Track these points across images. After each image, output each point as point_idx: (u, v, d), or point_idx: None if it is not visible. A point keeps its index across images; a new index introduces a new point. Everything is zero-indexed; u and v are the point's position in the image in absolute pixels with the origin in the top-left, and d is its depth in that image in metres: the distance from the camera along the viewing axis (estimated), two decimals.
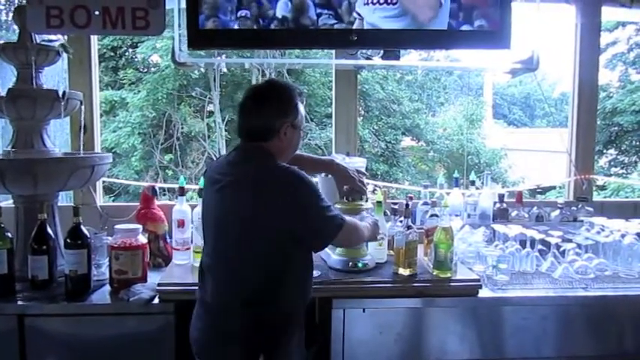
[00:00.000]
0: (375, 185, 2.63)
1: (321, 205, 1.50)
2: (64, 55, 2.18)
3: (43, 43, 2.09)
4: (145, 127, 8.34)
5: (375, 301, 1.83)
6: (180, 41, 2.25)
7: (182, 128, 8.35)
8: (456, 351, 1.87)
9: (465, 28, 2.10)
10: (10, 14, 2.26)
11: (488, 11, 2.10)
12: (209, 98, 8.14)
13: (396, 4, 2.07)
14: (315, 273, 1.76)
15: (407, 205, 1.99)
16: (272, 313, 1.49)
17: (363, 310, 1.82)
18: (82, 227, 1.87)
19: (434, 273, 1.89)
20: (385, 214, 2.14)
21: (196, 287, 1.62)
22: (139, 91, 8.42)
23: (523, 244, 2.05)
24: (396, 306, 1.84)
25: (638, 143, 9.25)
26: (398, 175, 9.23)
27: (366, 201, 1.97)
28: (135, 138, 8.16)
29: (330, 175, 1.97)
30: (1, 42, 2.09)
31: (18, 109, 1.99)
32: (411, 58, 4.47)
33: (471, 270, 2.00)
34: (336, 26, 2.08)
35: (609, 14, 2.79)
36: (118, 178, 7.15)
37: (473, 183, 2.52)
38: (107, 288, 1.93)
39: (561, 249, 2.02)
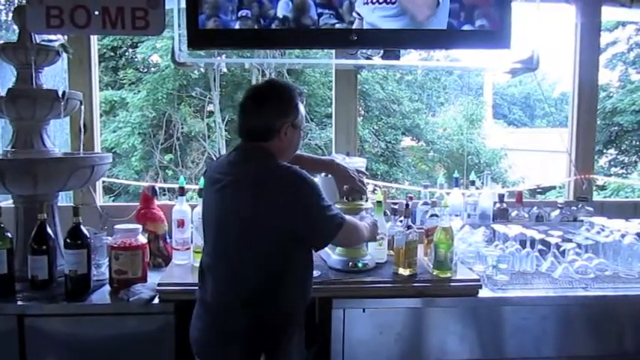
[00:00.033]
0: (375, 185, 2.63)
1: (323, 205, 1.50)
2: (64, 55, 2.18)
3: (42, 43, 2.09)
4: (145, 127, 8.34)
5: (375, 301, 1.83)
6: (180, 41, 2.25)
7: (182, 128, 8.36)
8: (456, 351, 1.87)
9: (466, 27, 2.10)
10: (10, 14, 2.26)
11: (490, 11, 2.10)
12: (209, 98, 8.14)
13: (394, 3, 2.07)
14: (315, 273, 1.76)
15: (407, 205, 1.99)
16: (272, 313, 1.49)
17: (363, 310, 1.82)
18: (82, 227, 1.87)
19: (434, 273, 1.89)
20: (385, 214, 2.14)
21: (196, 287, 1.62)
22: (139, 91, 8.42)
23: (523, 244, 2.05)
24: (396, 306, 1.84)
25: (638, 143, 9.25)
26: (398, 175, 9.23)
27: (366, 201, 1.97)
28: (135, 138, 8.16)
29: (330, 175, 1.97)
30: (1, 42, 2.09)
31: (18, 109, 1.99)
32: (410, 57, 4.47)
33: (471, 270, 2.00)
34: (337, 26, 2.08)
35: (609, 14, 2.79)
36: (118, 178, 7.15)
37: (473, 183, 2.52)
38: (107, 288, 1.93)
39: (561, 249, 2.02)
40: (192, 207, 2.12)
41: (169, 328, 1.80)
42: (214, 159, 2.08)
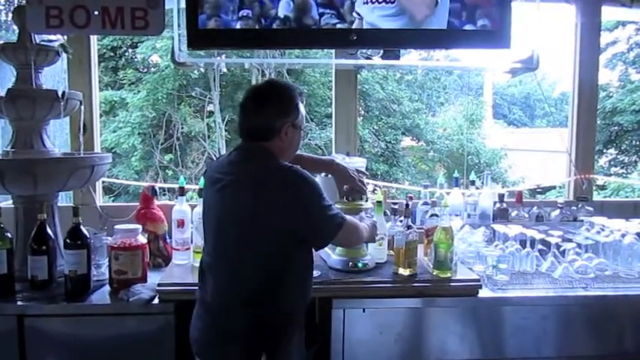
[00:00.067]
0: (375, 185, 2.63)
1: (323, 205, 1.50)
2: (64, 55, 2.18)
3: (42, 43, 2.09)
4: (145, 127, 8.34)
5: (375, 301, 1.83)
6: (179, 41, 2.24)
7: (182, 128, 8.36)
8: (456, 351, 1.87)
9: (468, 27, 2.10)
10: (10, 14, 2.26)
11: (491, 11, 2.10)
12: (209, 98, 8.14)
13: (394, 2, 2.07)
14: (315, 273, 1.76)
15: (407, 205, 1.99)
16: (272, 313, 1.49)
17: (363, 310, 1.82)
18: (82, 227, 1.86)
19: (434, 273, 1.89)
20: (385, 214, 2.14)
21: (196, 287, 1.62)
22: (139, 91, 8.42)
23: (523, 243, 2.05)
24: (396, 306, 1.84)
25: (638, 143, 9.25)
26: (398, 175, 9.23)
27: (366, 201, 1.97)
28: (135, 138, 8.17)
29: (330, 175, 1.97)
30: (1, 42, 2.09)
31: (17, 109, 1.99)
32: (410, 57, 4.47)
33: (471, 270, 2.00)
34: (338, 26, 2.08)
35: (609, 14, 2.79)
36: (118, 179, 7.15)
37: (473, 183, 2.51)
38: (107, 288, 1.93)
39: (561, 249, 2.02)
40: (192, 207, 2.12)
41: (169, 329, 1.80)
42: (214, 159, 2.08)
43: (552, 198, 3.94)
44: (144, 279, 1.93)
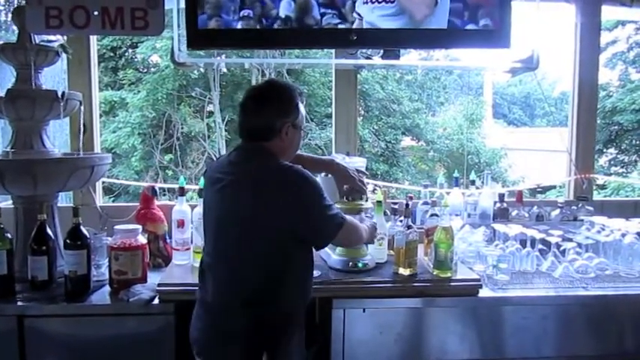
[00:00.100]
0: (375, 185, 2.62)
1: (324, 205, 1.50)
2: (64, 55, 2.17)
3: (42, 43, 2.09)
4: (145, 127, 8.34)
5: (375, 301, 1.83)
6: (179, 41, 2.24)
7: (182, 128, 8.36)
8: (456, 351, 1.87)
9: (470, 27, 2.10)
10: (10, 15, 2.26)
11: (492, 10, 2.10)
12: (209, 98, 8.15)
13: (393, 2, 2.07)
14: (316, 273, 1.76)
15: (407, 204, 1.99)
16: (272, 313, 1.49)
17: (364, 310, 1.82)
18: (82, 228, 1.86)
19: (434, 273, 1.89)
20: (385, 213, 2.14)
21: (196, 288, 1.62)
22: (139, 92, 8.42)
23: (523, 243, 2.05)
24: (396, 306, 1.84)
25: (638, 142, 9.25)
26: (398, 174, 9.23)
27: (366, 200, 1.96)
28: (135, 138, 8.17)
29: (330, 175, 1.97)
30: (1, 42, 2.08)
31: (17, 109, 1.99)
32: (410, 57, 4.48)
33: (471, 270, 2.00)
34: (340, 26, 2.07)
35: (609, 13, 2.79)
36: (118, 179, 7.15)
37: (473, 182, 2.51)
38: (107, 288, 1.93)
39: (561, 248, 2.02)
40: (192, 207, 2.12)
41: (169, 329, 1.80)
42: (214, 159, 2.08)
43: (552, 197, 3.95)
44: (144, 279, 1.93)
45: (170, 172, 8.32)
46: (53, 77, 2.47)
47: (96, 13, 2.08)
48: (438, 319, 1.86)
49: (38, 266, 1.87)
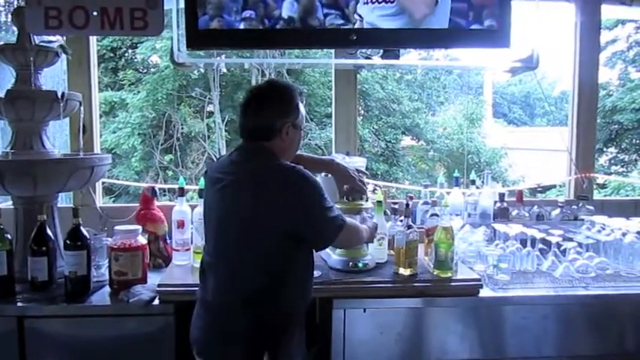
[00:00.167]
0: (375, 185, 2.62)
1: (324, 206, 1.50)
2: (63, 56, 2.17)
3: (41, 44, 2.08)
4: (145, 127, 8.35)
5: (375, 301, 1.83)
6: (179, 41, 2.24)
7: (182, 129, 8.36)
8: (457, 351, 1.86)
9: (475, 27, 2.09)
10: (9, 15, 2.26)
11: (495, 10, 2.09)
12: (209, 98, 8.15)
13: (393, 2, 2.06)
14: (316, 273, 1.76)
15: (407, 204, 1.98)
16: (272, 313, 1.49)
17: (364, 310, 1.82)
18: (82, 228, 1.86)
19: (434, 273, 1.89)
20: (385, 213, 2.14)
21: (196, 288, 1.62)
22: (139, 92, 8.43)
23: (524, 243, 2.05)
24: (396, 306, 1.84)
25: (638, 141, 9.25)
26: (398, 174, 9.23)
27: (366, 200, 1.96)
28: (135, 139, 8.17)
29: (330, 175, 1.97)
30: (1, 43, 2.09)
31: (17, 110, 1.99)
32: (410, 57, 4.48)
33: (471, 269, 2.00)
34: (343, 27, 2.07)
35: (609, 12, 2.79)
36: (118, 179, 7.16)
37: (473, 182, 2.51)
38: (107, 289, 1.93)
39: (562, 248, 2.01)
40: (192, 207, 2.12)
41: (169, 329, 1.80)
42: (214, 159, 2.08)
43: (553, 197, 3.95)
44: (144, 280, 1.93)
45: (170, 173, 8.33)
46: (53, 78, 2.47)
47: (95, 13, 2.08)
48: (438, 319, 1.86)
49: (38, 267, 1.87)
